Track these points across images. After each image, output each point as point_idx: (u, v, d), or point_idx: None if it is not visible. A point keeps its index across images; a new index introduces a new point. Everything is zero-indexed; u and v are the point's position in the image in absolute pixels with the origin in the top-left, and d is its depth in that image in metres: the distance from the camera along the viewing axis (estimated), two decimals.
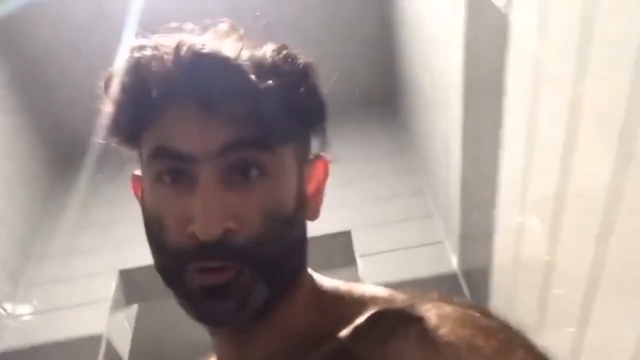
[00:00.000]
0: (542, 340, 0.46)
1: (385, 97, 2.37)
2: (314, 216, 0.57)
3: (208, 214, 0.47)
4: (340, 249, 1.94)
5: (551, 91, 0.89)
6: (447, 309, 0.47)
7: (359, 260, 1.85)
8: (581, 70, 0.79)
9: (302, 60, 0.53)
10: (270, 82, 0.48)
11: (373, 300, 0.51)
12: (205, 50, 0.48)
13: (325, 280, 0.57)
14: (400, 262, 1.82)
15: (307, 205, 0.55)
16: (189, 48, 0.49)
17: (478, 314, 0.47)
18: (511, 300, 1.25)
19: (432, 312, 0.46)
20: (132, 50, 0.51)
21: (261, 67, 0.49)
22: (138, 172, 0.56)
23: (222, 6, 2.00)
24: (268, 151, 0.49)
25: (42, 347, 1.77)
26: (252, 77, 0.48)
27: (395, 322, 0.46)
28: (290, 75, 0.50)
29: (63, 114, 2.32)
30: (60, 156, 2.39)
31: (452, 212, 1.68)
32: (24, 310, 1.92)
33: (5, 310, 1.88)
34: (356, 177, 2.14)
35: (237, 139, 0.48)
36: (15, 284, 1.97)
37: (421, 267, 1.79)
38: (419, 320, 0.45)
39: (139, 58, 0.50)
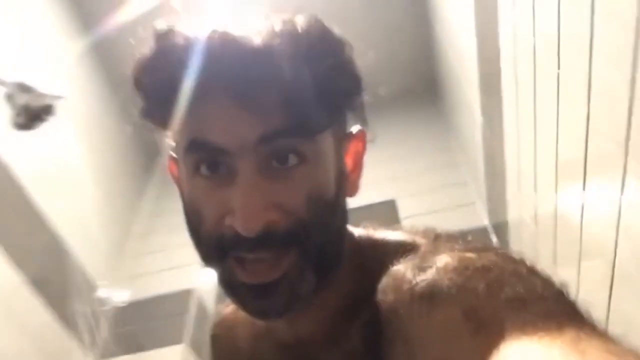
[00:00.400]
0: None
1: (426, 86, 2.69)
2: (354, 191, 0.56)
3: (248, 208, 0.46)
4: (387, 216, 2.30)
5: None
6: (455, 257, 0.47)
7: (403, 223, 2.22)
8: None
9: (335, 36, 0.51)
10: (303, 68, 0.46)
11: (397, 250, 0.52)
12: (236, 38, 0.46)
13: (359, 237, 0.58)
14: (439, 220, 2.18)
15: (347, 182, 0.55)
16: (219, 36, 0.46)
17: (486, 261, 0.46)
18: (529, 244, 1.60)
19: (442, 263, 0.46)
20: (161, 36, 0.49)
21: (294, 49, 0.47)
22: (174, 153, 0.53)
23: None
24: (305, 139, 0.48)
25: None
26: (284, 64, 0.46)
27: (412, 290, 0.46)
28: (323, 55, 0.48)
29: None
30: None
31: (480, 180, 2.02)
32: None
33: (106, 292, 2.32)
34: (400, 154, 2.51)
35: (273, 130, 0.46)
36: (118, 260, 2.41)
37: (459, 223, 2.14)
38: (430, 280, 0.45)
39: (168, 45, 0.48)
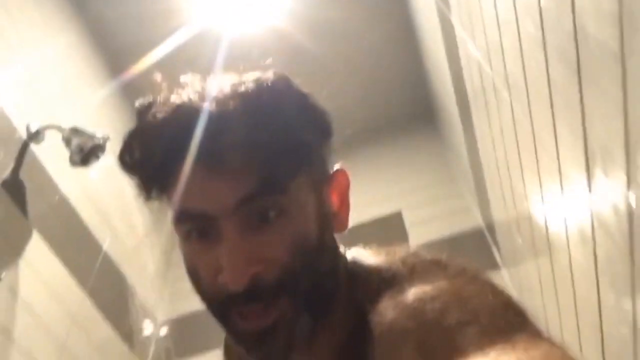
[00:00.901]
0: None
1: (424, 108, 2.98)
2: (343, 227, 0.58)
3: (234, 265, 0.49)
4: (395, 225, 2.59)
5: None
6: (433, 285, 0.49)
7: (408, 229, 2.50)
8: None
9: (294, 91, 0.54)
10: (265, 128, 0.49)
11: (394, 278, 0.53)
12: (201, 109, 0.49)
13: (352, 267, 0.59)
14: (441, 226, 2.46)
15: (333, 221, 0.57)
16: (187, 112, 0.49)
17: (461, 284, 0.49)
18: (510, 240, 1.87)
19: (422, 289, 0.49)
20: (140, 111, 0.53)
21: (253, 111, 0.49)
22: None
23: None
24: (280, 193, 0.50)
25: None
26: (245, 129, 0.48)
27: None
28: (281, 112, 0.51)
29: None
30: None
31: (471, 189, 2.30)
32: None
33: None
34: (403, 171, 2.80)
35: (248, 192, 0.49)
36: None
37: (458, 227, 2.41)
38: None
39: (145, 124, 0.51)
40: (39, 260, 1.82)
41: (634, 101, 0.69)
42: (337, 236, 0.59)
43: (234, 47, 2.65)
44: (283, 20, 2.66)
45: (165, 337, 2.43)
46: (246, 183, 0.49)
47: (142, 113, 0.53)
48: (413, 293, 0.50)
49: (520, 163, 1.35)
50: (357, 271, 0.58)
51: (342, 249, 0.61)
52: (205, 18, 2.63)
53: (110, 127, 2.51)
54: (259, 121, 0.49)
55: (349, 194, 0.59)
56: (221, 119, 0.49)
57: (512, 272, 1.96)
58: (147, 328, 2.38)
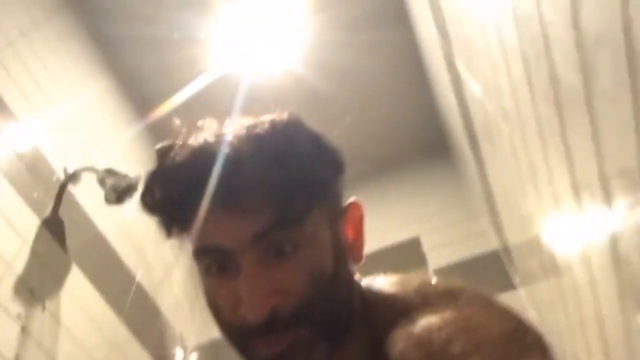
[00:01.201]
0: None
1: (439, 138, 3.09)
2: (359, 258, 0.60)
3: (252, 297, 0.50)
4: (414, 250, 2.67)
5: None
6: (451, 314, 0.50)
7: (427, 254, 2.59)
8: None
9: (306, 131, 0.57)
10: (278, 167, 0.51)
11: (407, 308, 0.55)
12: (221, 151, 0.52)
13: (369, 295, 0.60)
14: (458, 249, 2.54)
15: (348, 252, 0.59)
16: (205, 153, 0.52)
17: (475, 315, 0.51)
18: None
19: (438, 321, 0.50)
20: (160, 154, 0.56)
21: (267, 152, 0.52)
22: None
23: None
24: (295, 227, 0.52)
25: None
26: (260, 168, 0.51)
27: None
28: (295, 152, 0.53)
29: None
30: None
31: (486, 213, 2.39)
32: None
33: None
34: (421, 199, 2.91)
35: (264, 227, 0.51)
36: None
37: (475, 250, 2.50)
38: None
39: (164, 166, 0.55)
40: (78, 290, 1.95)
41: (604, 135, 0.79)
42: (354, 264, 0.61)
43: (252, 91, 2.80)
44: (298, 65, 2.81)
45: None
46: (261, 219, 0.51)
47: (162, 155, 0.56)
48: (421, 324, 0.51)
49: (523, 190, 1.45)
50: (372, 300, 0.59)
51: (357, 277, 0.62)
52: (225, 64, 2.80)
53: (140, 166, 2.67)
54: (272, 161, 0.52)
55: (363, 226, 0.61)
56: (236, 160, 0.52)
57: (529, 291, 2.03)
58: (179, 354, 2.49)
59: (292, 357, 0.53)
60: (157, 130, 2.93)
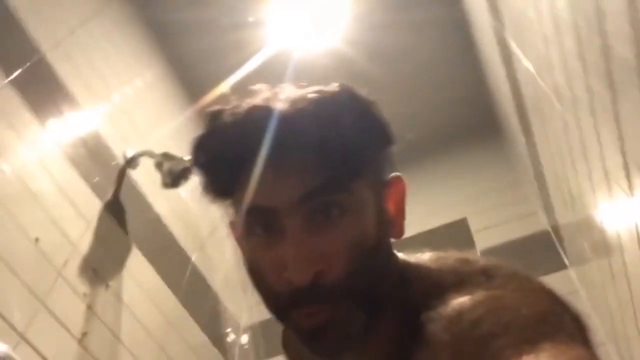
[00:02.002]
0: None
1: (488, 116, 3.06)
2: (399, 234, 0.60)
3: (298, 260, 0.51)
4: (461, 231, 2.67)
5: None
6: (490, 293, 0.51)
7: (475, 235, 2.58)
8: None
9: (360, 98, 0.57)
10: (332, 130, 0.51)
11: (441, 287, 0.55)
12: (272, 111, 0.52)
13: (407, 270, 0.60)
14: (507, 230, 2.51)
15: (389, 226, 0.59)
16: (257, 111, 0.53)
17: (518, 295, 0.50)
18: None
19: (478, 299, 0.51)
20: (211, 115, 0.56)
21: (322, 114, 0.52)
22: (234, 219, 0.59)
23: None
24: (343, 191, 0.53)
25: None
26: (314, 129, 0.51)
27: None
28: (349, 117, 0.53)
29: None
30: None
31: (536, 192, 2.36)
32: None
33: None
34: (469, 179, 2.89)
35: (313, 188, 0.52)
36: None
37: (524, 231, 2.47)
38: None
39: (218, 124, 0.55)
40: (138, 271, 2.05)
41: None
42: (394, 238, 0.61)
43: (300, 73, 2.83)
44: (346, 45, 2.82)
45: (248, 342, 2.62)
46: (311, 180, 0.52)
47: (214, 116, 0.56)
48: (452, 304, 0.52)
49: (575, 169, 1.43)
50: (408, 276, 0.59)
51: (395, 254, 0.62)
52: (273, 47, 2.84)
53: None
54: (325, 123, 0.52)
55: (405, 201, 0.61)
56: (290, 120, 0.52)
57: (579, 271, 2.00)
58: (232, 333, 2.57)
59: (332, 330, 0.54)
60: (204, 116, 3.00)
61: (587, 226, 1.52)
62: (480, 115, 3.03)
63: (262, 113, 0.53)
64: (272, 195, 0.53)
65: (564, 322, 0.48)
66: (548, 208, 2.24)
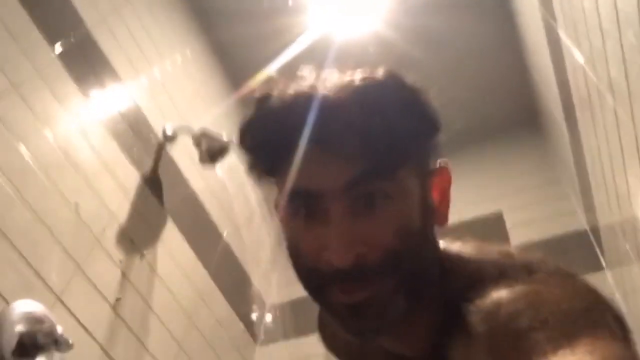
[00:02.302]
0: None
1: (528, 110, 3.00)
2: (443, 221, 0.60)
3: (340, 243, 0.52)
4: (495, 226, 2.63)
5: None
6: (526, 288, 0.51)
7: (510, 230, 2.54)
8: None
9: (407, 85, 0.57)
10: (379, 116, 0.52)
11: (482, 278, 0.55)
12: (320, 96, 0.53)
13: (449, 259, 0.61)
14: (543, 228, 2.47)
15: (434, 214, 0.59)
16: (305, 96, 0.53)
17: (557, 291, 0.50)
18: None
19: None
20: (259, 99, 0.57)
21: (369, 101, 0.53)
22: (278, 199, 0.60)
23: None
24: (388, 178, 0.53)
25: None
26: (361, 115, 0.52)
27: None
28: (395, 104, 0.54)
29: None
30: None
31: (576, 191, 2.31)
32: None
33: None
34: (506, 173, 2.84)
35: (358, 174, 0.52)
36: None
37: (561, 229, 2.42)
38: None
39: (265, 107, 0.56)
40: (172, 243, 2.08)
41: None
42: (439, 226, 0.61)
43: (341, 57, 2.82)
44: (388, 29, 2.79)
45: (274, 320, 2.64)
46: (357, 166, 0.52)
47: (262, 99, 0.57)
48: (492, 297, 0.52)
49: (624, 167, 1.39)
50: (449, 265, 0.60)
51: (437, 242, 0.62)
52: (314, 32, 2.83)
53: (231, 130, 2.77)
54: (372, 109, 0.52)
55: (450, 190, 0.61)
56: (337, 105, 0.52)
57: (616, 274, 1.96)
58: (258, 311, 2.60)
59: (368, 310, 0.54)
60: (248, 100, 3.02)
61: (632, 228, 1.48)
62: (523, 107, 2.98)
63: (309, 98, 0.54)
64: (318, 180, 0.53)
65: (605, 319, 0.48)
66: (588, 207, 2.19)
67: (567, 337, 0.44)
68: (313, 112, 0.53)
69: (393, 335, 0.61)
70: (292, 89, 0.56)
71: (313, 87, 0.55)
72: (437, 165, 0.61)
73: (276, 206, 0.62)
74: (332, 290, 0.55)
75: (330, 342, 0.82)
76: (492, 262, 0.58)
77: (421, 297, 0.58)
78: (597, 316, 0.48)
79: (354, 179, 0.52)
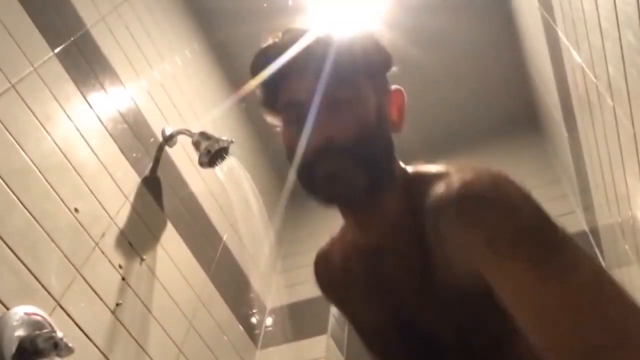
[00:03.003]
0: None
1: (527, 110, 3.00)
2: (399, 129, 0.84)
3: (315, 129, 0.76)
4: None
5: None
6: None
7: None
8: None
9: (377, 38, 0.83)
10: (345, 53, 0.78)
11: (437, 177, 0.75)
12: (307, 38, 0.79)
13: (410, 172, 0.84)
14: None
15: (389, 121, 0.82)
16: (295, 34, 0.81)
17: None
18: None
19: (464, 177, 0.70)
20: (265, 42, 0.84)
21: (345, 40, 0.80)
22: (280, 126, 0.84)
23: None
24: (347, 89, 0.77)
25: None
26: (333, 52, 0.77)
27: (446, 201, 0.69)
28: (360, 45, 0.81)
29: None
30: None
31: (575, 191, 2.30)
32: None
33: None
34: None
35: (328, 85, 0.76)
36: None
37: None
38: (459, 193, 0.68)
39: (270, 52, 0.82)
40: (172, 247, 2.07)
41: None
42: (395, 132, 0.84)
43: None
44: (389, 29, 2.78)
45: (273, 324, 2.64)
46: (327, 80, 0.76)
47: (264, 45, 0.85)
48: (456, 177, 0.71)
49: (623, 167, 1.39)
50: (414, 177, 0.82)
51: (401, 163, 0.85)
52: (314, 32, 2.83)
53: (229, 132, 2.77)
54: (342, 46, 0.78)
55: (404, 107, 0.85)
56: (316, 42, 0.79)
57: (616, 274, 1.95)
58: (258, 314, 2.60)
59: (337, 179, 0.76)
60: (247, 99, 3.03)
61: (632, 228, 1.47)
62: (521, 107, 2.98)
63: (297, 36, 0.81)
64: (302, 93, 0.78)
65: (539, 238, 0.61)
66: (587, 208, 2.19)
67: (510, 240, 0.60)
68: (301, 49, 0.79)
69: (365, 212, 0.82)
70: (287, 34, 0.83)
71: (304, 33, 0.81)
72: (392, 89, 0.85)
73: (280, 132, 0.83)
74: (314, 166, 0.76)
75: (325, 282, 1.00)
76: (452, 167, 0.77)
77: (378, 178, 0.78)
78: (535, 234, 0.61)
79: (325, 88, 0.76)
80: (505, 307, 0.58)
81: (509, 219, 0.62)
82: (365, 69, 0.80)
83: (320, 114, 0.76)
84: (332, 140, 0.75)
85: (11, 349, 1.19)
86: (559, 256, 0.57)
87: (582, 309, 0.52)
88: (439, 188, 0.71)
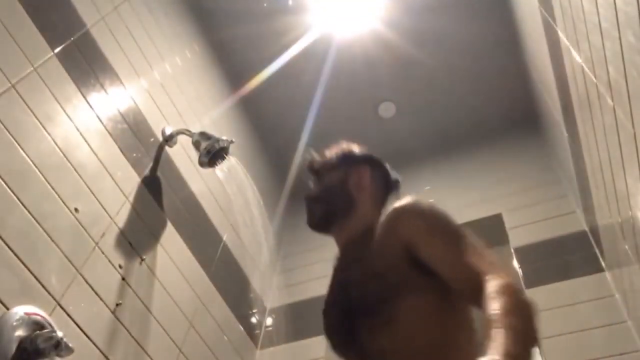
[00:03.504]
0: None
1: (526, 116, 3.01)
2: (360, 191, 1.30)
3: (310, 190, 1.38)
4: (495, 227, 2.62)
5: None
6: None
7: (509, 231, 2.53)
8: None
9: (348, 152, 1.38)
10: (330, 168, 1.35)
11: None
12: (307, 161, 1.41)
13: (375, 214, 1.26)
14: (543, 228, 2.46)
15: (347, 187, 1.30)
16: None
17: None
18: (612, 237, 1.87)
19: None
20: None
21: (327, 162, 1.36)
22: None
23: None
24: (324, 177, 1.36)
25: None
26: (321, 170, 1.36)
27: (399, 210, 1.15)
28: (335, 162, 1.35)
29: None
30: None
31: (575, 191, 2.30)
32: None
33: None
34: (506, 175, 2.83)
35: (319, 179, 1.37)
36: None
37: (561, 230, 2.42)
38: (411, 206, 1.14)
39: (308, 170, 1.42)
40: (172, 247, 2.08)
41: None
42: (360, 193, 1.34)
43: (341, 56, 2.82)
44: (389, 29, 2.79)
45: (273, 323, 2.64)
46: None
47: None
48: (407, 199, 1.16)
49: (623, 167, 1.39)
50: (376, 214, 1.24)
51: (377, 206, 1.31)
52: (314, 33, 2.83)
53: (229, 132, 2.77)
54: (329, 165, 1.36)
55: (364, 179, 1.32)
56: (314, 170, 1.41)
57: (616, 275, 1.95)
58: (258, 314, 2.60)
59: (309, 206, 1.33)
60: (247, 97, 3.03)
61: (632, 228, 1.47)
62: (521, 107, 2.98)
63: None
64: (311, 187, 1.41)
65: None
66: (587, 208, 2.19)
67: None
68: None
69: (335, 233, 1.29)
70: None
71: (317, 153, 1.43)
72: (355, 169, 1.33)
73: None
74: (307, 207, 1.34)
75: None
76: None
77: (333, 212, 1.29)
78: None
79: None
80: (430, 267, 1.04)
81: (437, 219, 1.11)
82: (334, 168, 1.36)
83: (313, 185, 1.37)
84: (311, 192, 1.36)
85: (11, 349, 1.19)
86: (458, 237, 1.06)
87: (465, 255, 1.00)
88: (397, 204, 1.16)
